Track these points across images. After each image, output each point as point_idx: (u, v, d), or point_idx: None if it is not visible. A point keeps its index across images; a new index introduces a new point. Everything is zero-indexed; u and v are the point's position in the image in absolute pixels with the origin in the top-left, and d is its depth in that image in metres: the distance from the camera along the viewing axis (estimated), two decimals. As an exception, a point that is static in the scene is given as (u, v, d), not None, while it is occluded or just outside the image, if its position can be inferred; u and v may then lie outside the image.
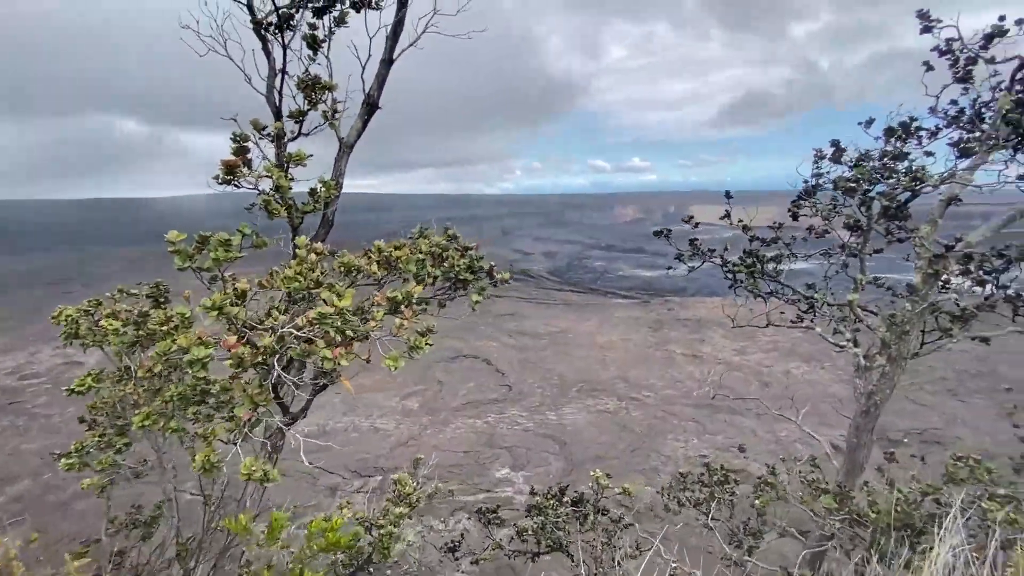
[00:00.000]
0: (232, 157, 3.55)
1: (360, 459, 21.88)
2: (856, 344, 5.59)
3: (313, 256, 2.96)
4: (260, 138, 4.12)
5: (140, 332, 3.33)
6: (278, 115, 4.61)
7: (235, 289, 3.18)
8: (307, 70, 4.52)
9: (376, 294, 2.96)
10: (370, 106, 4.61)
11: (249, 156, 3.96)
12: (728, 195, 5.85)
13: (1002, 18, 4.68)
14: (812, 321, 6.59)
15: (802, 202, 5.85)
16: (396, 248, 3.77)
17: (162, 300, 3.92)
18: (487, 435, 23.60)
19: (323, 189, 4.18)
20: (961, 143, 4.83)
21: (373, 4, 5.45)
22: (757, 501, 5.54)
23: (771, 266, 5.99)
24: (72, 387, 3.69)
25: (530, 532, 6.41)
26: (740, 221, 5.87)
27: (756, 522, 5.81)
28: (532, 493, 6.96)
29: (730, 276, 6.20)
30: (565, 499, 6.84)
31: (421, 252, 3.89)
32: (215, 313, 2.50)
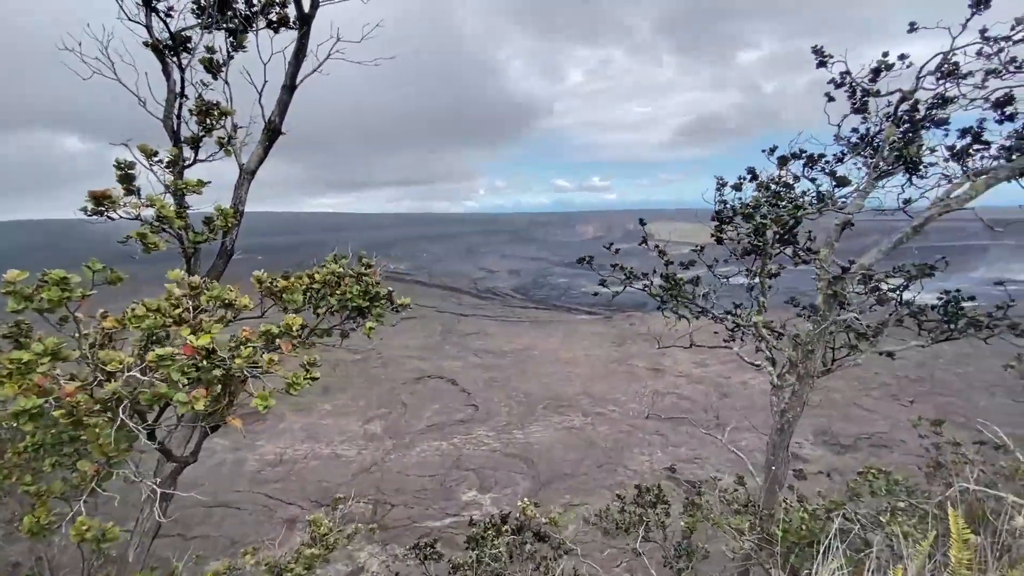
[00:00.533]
0: (103, 188, 3.35)
1: (321, 487, 20.93)
2: (773, 363, 5.72)
3: (177, 290, 2.79)
4: (152, 164, 3.93)
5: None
6: (176, 140, 4.42)
7: (102, 329, 2.96)
8: (200, 95, 4.37)
9: (245, 328, 2.80)
10: (272, 132, 4.48)
11: (136, 184, 3.75)
12: (642, 222, 5.97)
13: (885, 54, 4.99)
14: (742, 339, 6.72)
15: (724, 226, 5.99)
16: (283, 278, 3.61)
17: (23, 340, 3.61)
18: (453, 457, 23.03)
19: (220, 218, 4.00)
20: (835, 176, 5.09)
21: (290, 23, 5.37)
22: (682, 523, 5.53)
23: (689, 288, 6.10)
24: None
25: (466, 567, 6.20)
26: (656, 247, 5.98)
27: (685, 543, 5.79)
28: (471, 524, 6.76)
29: (658, 298, 6.28)
30: (505, 528, 6.67)
31: (315, 281, 3.74)
32: (47, 359, 2.30)
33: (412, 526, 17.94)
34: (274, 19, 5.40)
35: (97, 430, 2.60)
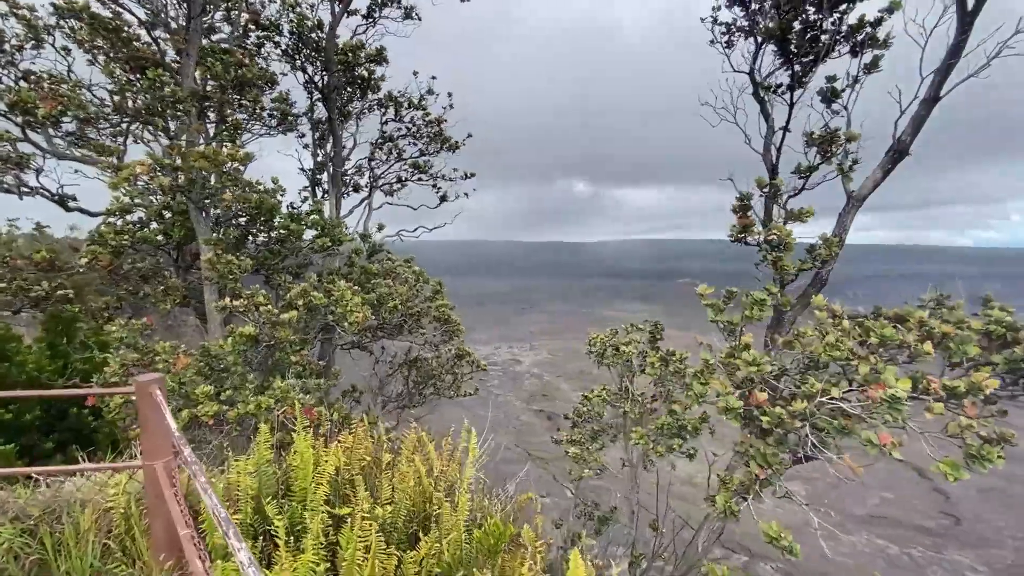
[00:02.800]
0: (747, 216, 3.79)
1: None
2: None
3: (846, 323, 2.73)
4: (761, 195, 4.27)
5: (668, 368, 3.99)
6: (773, 172, 4.68)
7: (741, 343, 3.30)
8: (827, 124, 4.40)
9: (931, 377, 2.43)
10: (898, 153, 4.02)
11: (750, 213, 4.15)
12: None
13: None
14: None
15: None
16: (943, 322, 3.04)
17: (658, 337, 4.62)
18: (910, 579, 16.62)
19: (823, 247, 3.91)
20: None
21: (878, 44, 4.84)
22: None
23: None
24: (585, 395, 4.85)
25: None
26: None
27: None
28: None
29: None
30: None
31: (971, 329, 3.00)
32: (753, 368, 2.64)
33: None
34: (858, 41, 5.00)
35: (753, 438, 2.85)
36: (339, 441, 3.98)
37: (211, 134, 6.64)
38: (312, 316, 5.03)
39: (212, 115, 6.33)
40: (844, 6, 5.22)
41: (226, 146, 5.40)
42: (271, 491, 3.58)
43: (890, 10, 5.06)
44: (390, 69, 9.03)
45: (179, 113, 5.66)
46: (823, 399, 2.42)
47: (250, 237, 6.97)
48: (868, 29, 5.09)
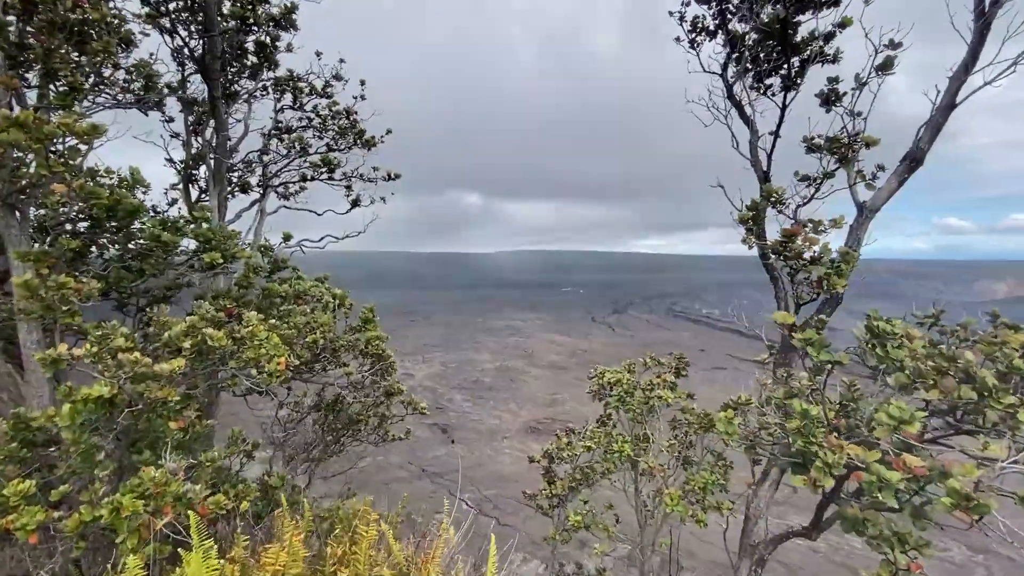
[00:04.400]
0: (794, 226, 3.28)
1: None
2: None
3: (970, 355, 2.25)
4: (771, 204, 3.86)
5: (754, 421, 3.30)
6: (765, 178, 4.35)
7: (806, 386, 2.72)
8: (844, 128, 4.10)
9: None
10: (914, 161, 3.83)
11: (756, 222, 3.71)
12: None
13: None
14: None
15: None
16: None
17: (682, 374, 3.96)
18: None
19: (843, 262, 3.56)
20: None
21: (831, 60, 4.78)
22: None
23: None
24: (585, 444, 4.02)
25: None
26: None
27: None
28: None
29: None
30: None
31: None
32: (900, 424, 2.02)
33: None
34: (809, 55, 4.94)
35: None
36: (260, 557, 2.62)
37: (40, 101, 4.59)
38: (203, 362, 3.49)
39: (34, 75, 4.35)
40: (805, 15, 5.16)
41: (57, 114, 3.64)
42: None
43: (842, 25, 5.07)
44: (289, 53, 7.36)
45: (-29, 58, 3.71)
46: (1005, 464, 1.89)
47: (95, 249, 5.02)
48: (821, 42, 5.05)
